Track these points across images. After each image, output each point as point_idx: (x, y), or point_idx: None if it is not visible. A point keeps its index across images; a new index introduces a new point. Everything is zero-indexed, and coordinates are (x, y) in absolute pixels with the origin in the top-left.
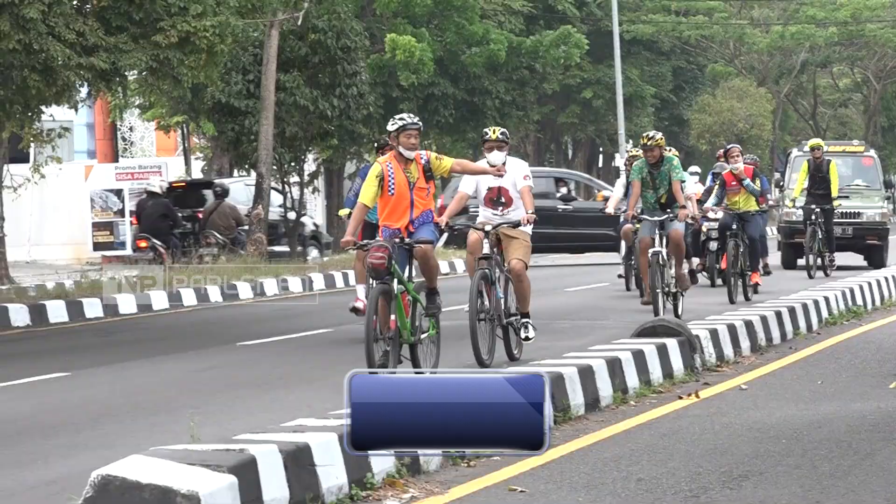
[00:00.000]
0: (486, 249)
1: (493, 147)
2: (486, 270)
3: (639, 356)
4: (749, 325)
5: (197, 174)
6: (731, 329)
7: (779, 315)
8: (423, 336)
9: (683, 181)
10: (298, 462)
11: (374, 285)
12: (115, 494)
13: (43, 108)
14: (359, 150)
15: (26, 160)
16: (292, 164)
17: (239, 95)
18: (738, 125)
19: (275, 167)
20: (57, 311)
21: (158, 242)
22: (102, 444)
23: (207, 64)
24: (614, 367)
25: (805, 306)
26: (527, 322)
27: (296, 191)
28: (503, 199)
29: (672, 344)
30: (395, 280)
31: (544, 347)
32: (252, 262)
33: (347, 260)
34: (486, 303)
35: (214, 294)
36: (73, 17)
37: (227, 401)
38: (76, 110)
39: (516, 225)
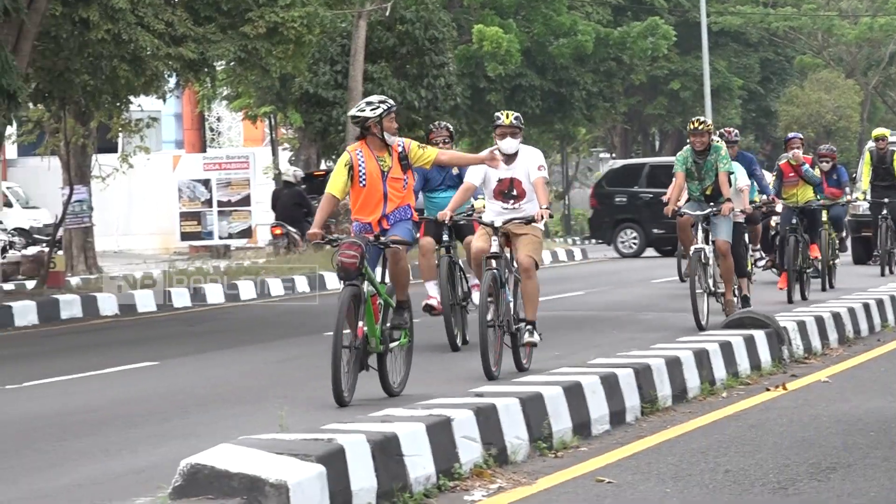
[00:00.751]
0: (494, 248)
1: (507, 133)
2: (496, 271)
3: (726, 348)
4: (837, 317)
5: (284, 164)
6: (819, 321)
7: (867, 307)
8: (392, 345)
9: (731, 172)
10: (386, 452)
11: (343, 287)
12: (203, 483)
13: (131, 98)
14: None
15: (115, 150)
16: None
17: (327, 86)
18: (825, 117)
19: None
20: (145, 301)
21: (292, 229)
22: (190, 434)
23: (295, 54)
24: (702, 358)
25: (893, 298)
26: (531, 328)
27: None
28: (515, 192)
29: (760, 336)
30: (366, 282)
31: (631, 339)
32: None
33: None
34: (498, 308)
35: (302, 284)
36: (162, 7)
37: (314, 391)
38: (164, 100)
39: (529, 221)
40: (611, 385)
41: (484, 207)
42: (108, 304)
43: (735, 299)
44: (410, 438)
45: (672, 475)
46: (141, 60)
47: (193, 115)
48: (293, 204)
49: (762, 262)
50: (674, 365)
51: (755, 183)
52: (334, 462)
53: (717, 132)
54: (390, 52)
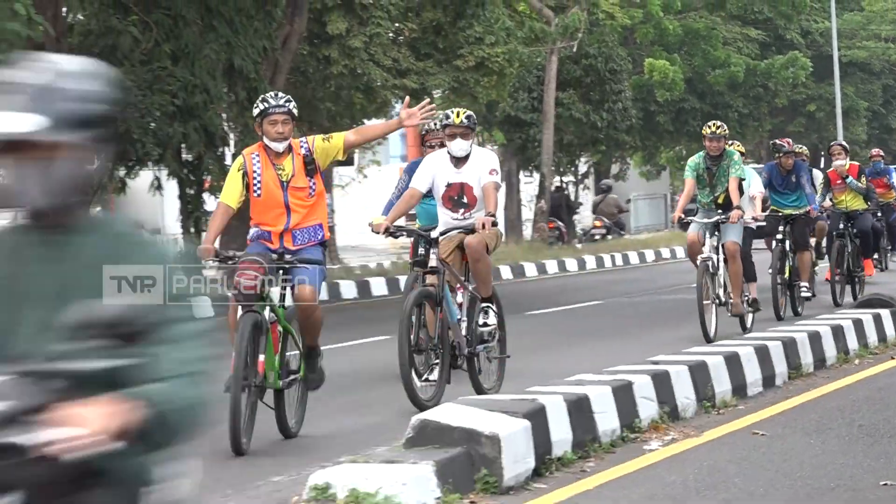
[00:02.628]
0: (432, 261)
1: (456, 133)
2: (430, 288)
3: (858, 324)
4: None
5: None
6: None
7: None
8: (291, 378)
9: (743, 179)
10: (580, 409)
11: (241, 314)
12: (430, 434)
13: (365, 121)
14: (622, 154)
15: (352, 164)
16: (568, 166)
17: (525, 110)
18: None
19: (553, 168)
20: (379, 287)
21: (562, 224)
22: None
23: (498, 84)
24: (837, 332)
25: None
26: (487, 307)
27: (571, 188)
28: (465, 200)
29: (886, 314)
30: (268, 307)
31: (766, 319)
32: (537, 246)
33: (614, 245)
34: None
35: (505, 273)
36: (390, 46)
37: (519, 360)
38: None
39: (470, 231)
40: (763, 355)
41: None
42: (348, 289)
43: (744, 303)
44: (599, 398)
45: (814, 429)
46: (372, 90)
47: (415, 134)
48: (559, 205)
49: (754, 290)
50: (815, 338)
51: (807, 190)
52: (537, 418)
53: (772, 142)
54: (577, 81)
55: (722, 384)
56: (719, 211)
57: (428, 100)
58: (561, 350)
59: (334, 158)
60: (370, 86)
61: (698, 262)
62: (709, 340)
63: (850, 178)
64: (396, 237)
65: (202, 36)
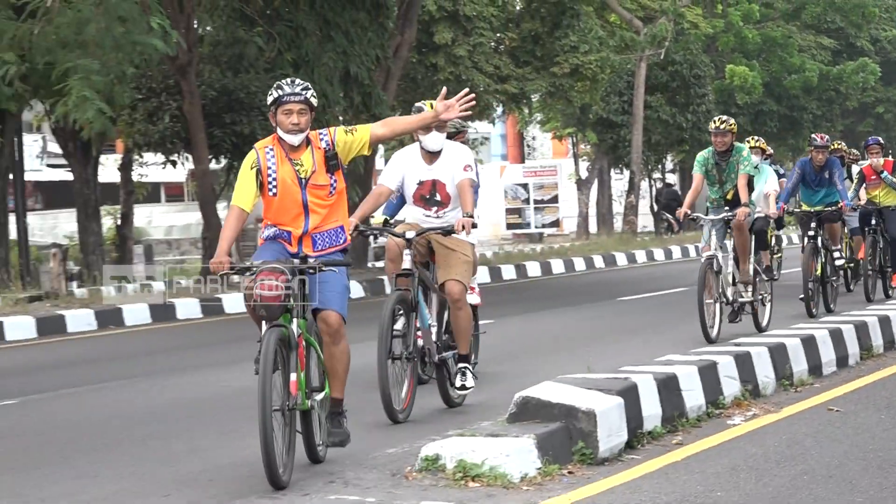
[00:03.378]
0: (406, 264)
1: (431, 126)
2: (404, 291)
3: None
4: None
5: (583, 173)
6: None
7: None
8: (318, 398)
9: (753, 175)
10: (668, 387)
11: (266, 330)
12: (532, 410)
13: (469, 122)
14: None
15: None
16: (656, 163)
17: (616, 112)
18: None
19: (642, 166)
20: (481, 275)
21: (671, 217)
22: (520, 374)
23: (591, 89)
24: None
25: None
26: (464, 368)
27: (658, 184)
28: (438, 197)
29: None
30: (293, 320)
31: (853, 302)
32: (626, 237)
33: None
34: (405, 337)
35: (598, 262)
36: (491, 54)
37: (611, 342)
38: (493, 124)
39: (449, 232)
40: (836, 337)
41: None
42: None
43: (748, 268)
44: (686, 377)
45: (885, 405)
46: (476, 95)
47: (515, 135)
48: (671, 199)
49: (768, 259)
50: (885, 322)
51: (838, 186)
52: (630, 395)
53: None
54: (664, 86)
55: (799, 364)
56: (727, 208)
57: (466, 90)
58: (647, 334)
59: (359, 153)
60: (473, 90)
61: (702, 259)
62: (710, 341)
63: (885, 174)
64: (367, 236)
65: (321, 45)
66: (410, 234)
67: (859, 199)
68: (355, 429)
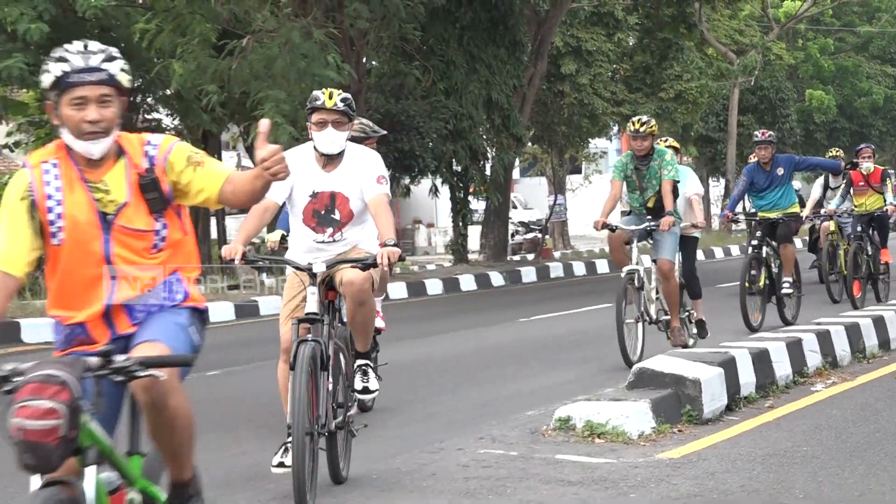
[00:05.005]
0: (311, 306)
1: (327, 121)
2: (314, 345)
3: None
4: None
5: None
6: None
7: None
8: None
9: (677, 181)
10: (761, 359)
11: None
12: (646, 379)
13: (589, 140)
14: None
15: (580, 172)
16: None
17: (713, 130)
18: None
19: (735, 175)
20: (602, 266)
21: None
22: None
23: (693, 111)
24: None
25: None
26: (365, 366)
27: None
28: (337, 215)
29: None
30: (91, 457)
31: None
32: (722, 234)
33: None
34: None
35: (699, 255)
36: (609, 82)
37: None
38: (611, 140)
39: (368, 266)
40: None
41: (276, 243)
42: (579, 268)
43: (683, 328)
44: (776, 351)
45: None
46: (595, 116)
47: (628, 142)
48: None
49: (700, 310)
50: None
51: (791, 188)
52: (729, 366)
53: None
54: (754, 107)
55: (871, 339)
56: (648, 217)
57: (278, 147)
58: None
59: (199, 203)
60: (594, 113)
61: (623, 274)
62: (630, 364)
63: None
64: (258, 268)
65: (468, 76)
66: (319, 268)
67: (832, 209)
68: (498, 396)
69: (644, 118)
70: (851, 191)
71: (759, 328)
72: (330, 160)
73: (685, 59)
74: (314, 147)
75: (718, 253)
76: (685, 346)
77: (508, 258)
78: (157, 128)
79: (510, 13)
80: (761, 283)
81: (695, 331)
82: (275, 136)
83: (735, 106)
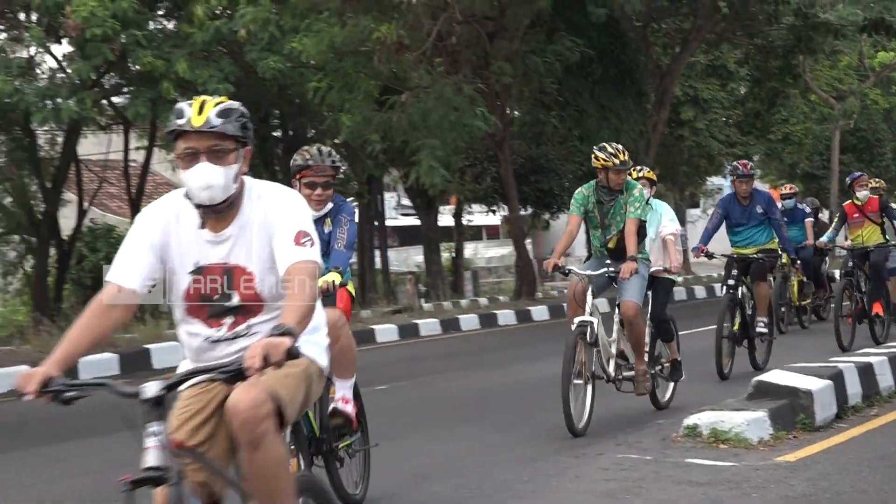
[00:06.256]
0: (149, 458)
1: (199, 152)
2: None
3: None
4: None
5: None
6: None
7: None
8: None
9: (643, 219)
10: (866, 372)
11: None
12: (764, 391)
13: (706, 177)
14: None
15: (697, 205)
16: None
17: (817, 168)
18: None
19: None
20: (719, 290)
21: None
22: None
23: (798, 151)
24: None
25: None
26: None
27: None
28: (237, 303)
29: None
30: None
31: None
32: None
33: None
34: None
35: None
36: (723, 126)
37: (807, 338)
38: (725, 178)
39: (234, 378)
40: None
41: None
42: (700, 291)
43: (648, 371)
44: (879, 364)
45: None
46: (712, 157)
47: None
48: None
49: (676, 351)
50: None
51: (777, 232)
52: (837, 378)
53: (731, 164)
54: (853, 147)
55: None
56: (608, 262)
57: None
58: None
59: None
60: (710, 154)
61: (573, 326)
62: (575, 434)
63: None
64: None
65: (599, 123)
66: (150, 391)
67: (832, 242)
68: (631, 407)
69: (618, 146)
70: (846, 225)
71: (729, 375)
72: (216, 214)
73: (791, 105)
74: (185, 195)
75: None
76: (652, 393)
77: None
78: None
79: (636, 68)
80: (735, 327)
81: (666, 374)
82: (430, 179)
83: (836, 146)
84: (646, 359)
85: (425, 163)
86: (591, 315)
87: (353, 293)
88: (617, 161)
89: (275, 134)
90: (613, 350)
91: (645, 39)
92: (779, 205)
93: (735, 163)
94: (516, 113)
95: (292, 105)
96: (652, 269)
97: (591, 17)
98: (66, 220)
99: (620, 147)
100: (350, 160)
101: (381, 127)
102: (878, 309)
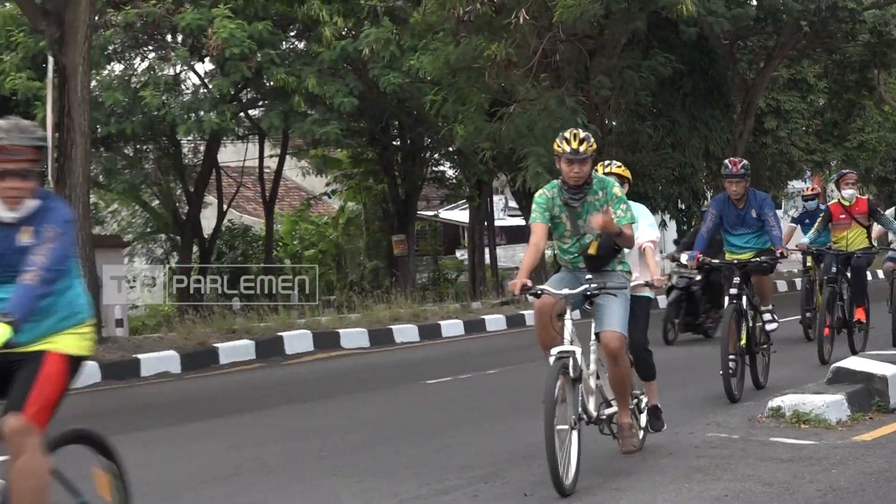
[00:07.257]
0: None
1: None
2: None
3: None
4: None
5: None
6: None
7: None
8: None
9: (633, 222)
10: None
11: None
12: (842, 376)
13: (788, 181)
14: None
15: (780, 208)
16: None
17: (891, 172)
18: None
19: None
20: (794, 284)
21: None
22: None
23: (873, 157)
24: None
25: None
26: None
27: None
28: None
29: None
30: None
31: None
32: None
33: None
34: None
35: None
36: (803, 135)
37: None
38: (805, 182)
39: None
40: None
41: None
42: (781, 286)
43: (634, 422)
44: None
45: None
46: (793, 163)
47: (821, 189)
48: None
49: (654, 393)
50: None
51: (772, 225)
52: None
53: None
54: None
55: None
56: (588, 277)
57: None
58: None
59: None
60: (791, 160)
61: (551, 360)
62: (563, 494)
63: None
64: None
65: (689, 132)
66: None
67: (813, 244)
68: (719, 391)
69: (582, 133)
70: (830, 225)
71: (740, 398)
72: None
73: (866, 115)
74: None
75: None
76: (638, 448)
77: None
78: (441, 177)
79: (723, 82)
80: (742, 342)
81: (644, 423)
82: (536, 183)
83: None
84: (631, 406)
85: (531, 168)
86: (570, 343)
87: (81, 353)
88: (568, 148)
89: (395, 143)
90: (593, 383)
91: (732, 56)
92: (802, 206)
93: (725, 161)
94: (614, 123)
95: (410, 116)
96: (632, 284)
97: (682, 36)
98: (207, 221)
99: (584, 133)
100: (462, 166)
101: (492, 136)
102: (860, 315)
